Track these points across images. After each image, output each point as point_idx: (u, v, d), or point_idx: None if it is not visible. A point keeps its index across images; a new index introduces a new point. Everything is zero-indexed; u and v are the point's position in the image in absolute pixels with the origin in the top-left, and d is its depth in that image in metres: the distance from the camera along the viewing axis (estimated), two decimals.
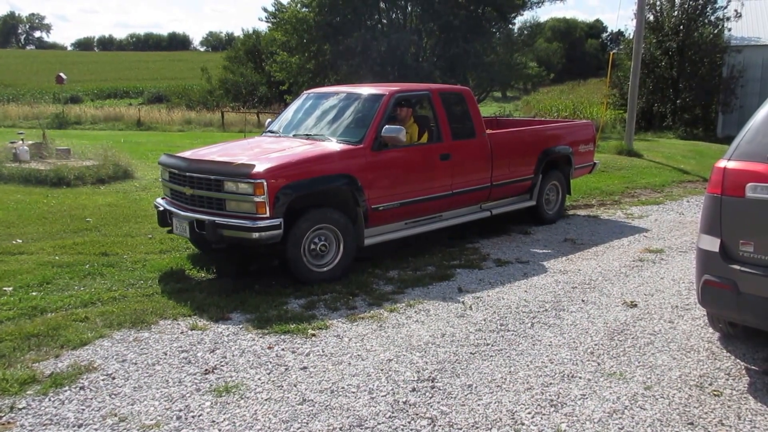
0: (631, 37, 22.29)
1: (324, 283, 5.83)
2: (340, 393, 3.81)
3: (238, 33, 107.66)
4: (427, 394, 3.80)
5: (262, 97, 39.24)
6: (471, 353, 4.40)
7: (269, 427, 3.42)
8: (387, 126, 6.37)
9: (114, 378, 4.00)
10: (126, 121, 29.75)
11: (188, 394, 3.79)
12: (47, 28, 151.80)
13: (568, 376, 4.06)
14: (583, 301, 5.52)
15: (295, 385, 3.91)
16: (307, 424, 3.46)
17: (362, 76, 27.72)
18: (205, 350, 4.43)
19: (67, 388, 3.85)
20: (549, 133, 8.89)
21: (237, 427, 3.43)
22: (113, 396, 3.77)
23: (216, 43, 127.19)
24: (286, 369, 4.15)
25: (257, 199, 5.51)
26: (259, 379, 4.00)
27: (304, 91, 7.90)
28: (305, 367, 4.17)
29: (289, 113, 7.56)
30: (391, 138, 6.30)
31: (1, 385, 3.83)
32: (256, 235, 5.50)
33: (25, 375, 3.97)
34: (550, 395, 3.79)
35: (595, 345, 4.57)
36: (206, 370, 4.12)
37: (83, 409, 3.61)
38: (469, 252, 7.16)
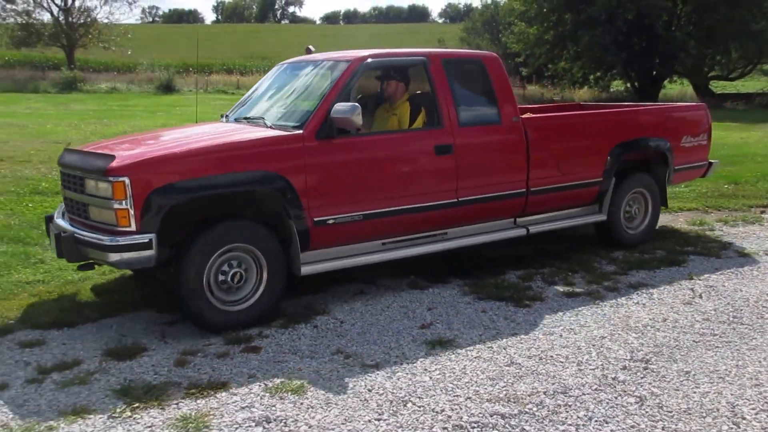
0: None
1: (242, 329, 4.29)
2: (548, 361, 3.87)
3: (476, 4, 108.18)
4: (639, 374, 3.70)
5: None
6: (694, 341, 4.15)
7: (476, 382, 3.61)
8: (338, 105, 4.58)
9: (342, 323, 4.48)
10: None
11: (405, 344, 4.12)
12: (300, 3, 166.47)
13: None
14: None
15: (504, 348, 4.05)
16: (512, 384, 3.58)
17: (605, 47, 26.35)
18: (423, 308, 4.74)
19: (303, 325, 4.41)
20: (628, 120, 6.43)
21: (446, 377, 3.67)
22: (340, 337, 4.24)
23: (454, 14, 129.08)
24: (497, 332, 4.30)
25: (117, 205, 3.99)
26: (470, 338, 4.20)
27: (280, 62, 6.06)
28: (516, 333, 4.28)
29: (250, 91, 5.90)
30: (342, 120, 4.52)
31: None
32: (113, 257, 4.04)
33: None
34: None
35: None
36: (422, 324, 4.43)
37: (315, 345, 4.12)
38: (708, 239, 6.62)
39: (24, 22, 39.04)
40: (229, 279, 4.32)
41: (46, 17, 39.71)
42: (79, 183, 4.36)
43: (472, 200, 5.26)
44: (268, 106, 5.33)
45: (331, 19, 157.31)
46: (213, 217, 4.33)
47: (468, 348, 4.06)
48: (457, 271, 5.52)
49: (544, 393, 3.48)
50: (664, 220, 7.37)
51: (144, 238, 4.00)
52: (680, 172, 6.64)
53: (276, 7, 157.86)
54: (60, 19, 39.30)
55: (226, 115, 5.61)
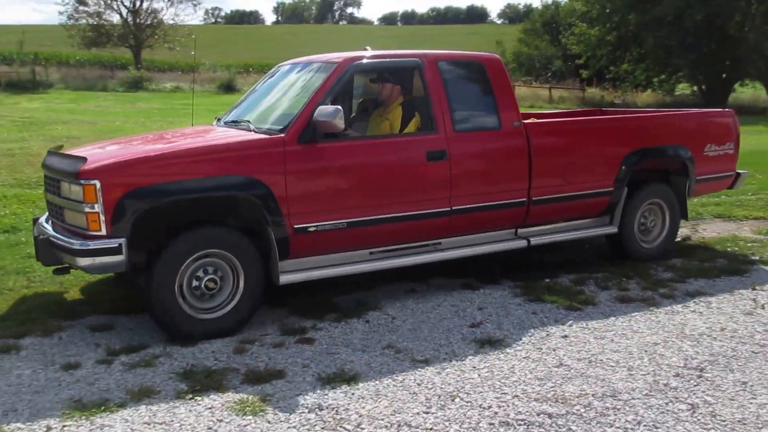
0: None
1: (215, 338, 4.16)
2: (598, 364, 3.87)
3: (536, 4, 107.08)
4: (692, 381, 3.66)
5: (556, 72, 38.61)
6: (753, 352, 4.07)
7: (524, 381, 3.65)
8: (321, 107, 4.43)
9: (394, 319, 4.58)
10: None
11: (454, 341, 4.19)
12: (358, 4, 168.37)
13: None
14: None
15: (554, 350, 4.07)
16: (561, 385, 3.60)
17: (670, 49, 25.65)
18: (474, 307, 4.80)
19: (355, 320, 4.54)
20: (643, 126, 6.15)
21: (494, 374, 3.73)
22: (392, 332, 4.35)
23: (513, 15, 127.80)
24: (547, 334, 4.32)
25: (88, 209, 3.92)
26: (520, 339, 4.24)
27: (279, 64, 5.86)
28: (566, 336, 4.29)
29: (246, 93, 5.74)
30: (324, 124, 4.37)
31: (307, 309, 4.67)
32: (83, 261, 3.98)
33: (325, 305, 4.77)
34: None
35: None
36: (472, 323, 4.49)
37: (367, 339, 4.24)
38: None
39: (95, 23, 40.58)
40: (202, 286, 4.19)
41: (116, 18, 41.21)
42: (56, 186, 4.31)
43: (467, 209, 5.01)
44: (259, 109, 5.18)
45: (388, 20, 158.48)
46: (189, 222, 4.21)
47: (517, 348, 4.09)
48: (509, 273, 5.54)
49: (593, 395, 3.48)
50: (728, 228, 7.25)
51: (114, 242, 3.92)
52: (702, 183, 6.22)
53: (335, 8, 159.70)
54: (128, 20, 40.70)
55: (218, 119, 5.50)
